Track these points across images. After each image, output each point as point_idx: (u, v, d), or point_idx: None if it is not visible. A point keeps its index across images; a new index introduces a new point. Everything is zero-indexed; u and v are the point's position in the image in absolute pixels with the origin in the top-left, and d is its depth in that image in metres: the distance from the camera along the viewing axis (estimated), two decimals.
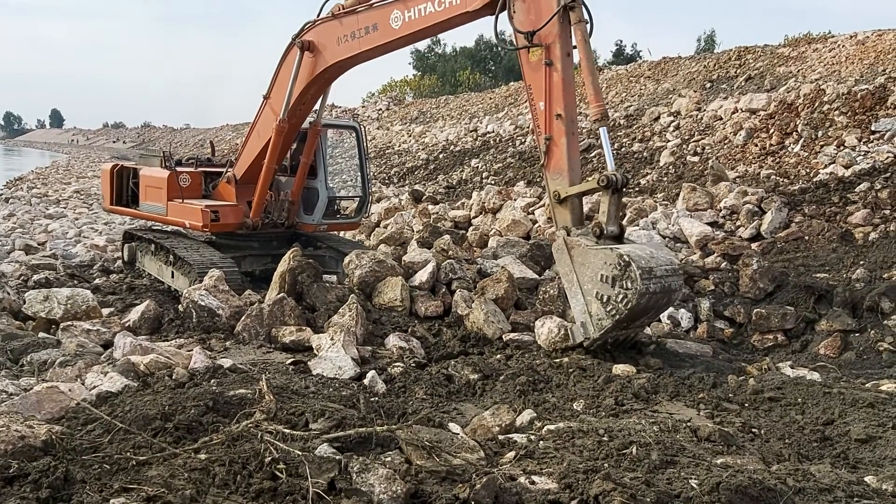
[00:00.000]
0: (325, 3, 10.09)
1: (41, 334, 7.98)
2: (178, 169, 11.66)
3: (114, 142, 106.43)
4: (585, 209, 8.60)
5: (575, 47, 7.92)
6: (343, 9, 9.78)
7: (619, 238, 7.56)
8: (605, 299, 7.19)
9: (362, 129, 12.63)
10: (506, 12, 8.09)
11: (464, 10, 8.51)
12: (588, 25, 7.83)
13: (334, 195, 11.93)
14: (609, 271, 7.11)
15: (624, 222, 8.90)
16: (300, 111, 10.85)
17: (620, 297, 7.05)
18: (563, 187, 7.83)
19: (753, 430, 5.74)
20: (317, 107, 11.50)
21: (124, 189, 12.51)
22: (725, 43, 77.93)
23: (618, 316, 7.10)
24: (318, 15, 10.18)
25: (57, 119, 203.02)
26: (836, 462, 5.13)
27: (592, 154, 22.37)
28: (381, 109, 51.09)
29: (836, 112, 16.73)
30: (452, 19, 8.75)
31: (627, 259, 6.96)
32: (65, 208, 23.37)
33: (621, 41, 66.02)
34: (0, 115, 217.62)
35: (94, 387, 6.00)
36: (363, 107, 54.46)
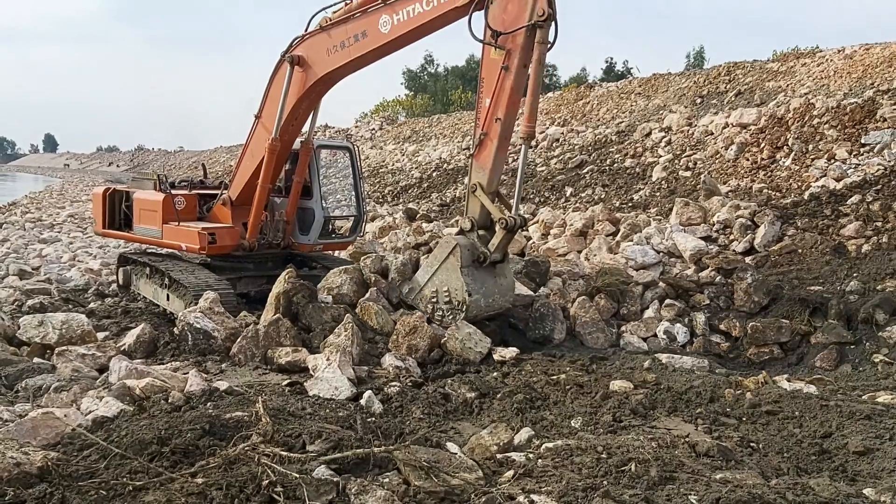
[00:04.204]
0: (313, 17, 10.20)
1: (36, 360, 7.94)
2: (173, 192, 11.65)
3: (108, 165, 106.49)
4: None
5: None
6: (330, 21, 9.88)
7: (498, 262, 9.02)
8: (433, 299, 8.98)
9: (356, 148, 12.67)
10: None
11: (452, 5, 8.71)
12: (549, 46, 8.32)
13: (330, 215, 11.95)
14: (452, 295, 8.78)
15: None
16: (292, 128, 10.89)
17: (439, 314, 8.94)
18: (481, 182, 8.79)
19: (752, 444, 5.74)
20: (307, 126, 11.54)
21: (117, 213, 12.48)
22: (714, 59, 78.63)
23: (427, 317, 8.79)
24: (307, 29, 10.26)
25: (51, 143, 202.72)
26: (834, 475, 5.13)
27: (585, 170, 22.48)
28: (374, 129, 51.29)
29: (826, 125, 16.87)
30: (442, 16, 8.89)
31: (464, 307, 8.66)
32: (59, 232, 23.29)
33: (612, 58, 66.55)
34: None
35: (90, 412, 5.97)
36: (356, 127, 54.65)
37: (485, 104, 8.70)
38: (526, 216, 16.13)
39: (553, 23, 8.25)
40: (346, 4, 9.87)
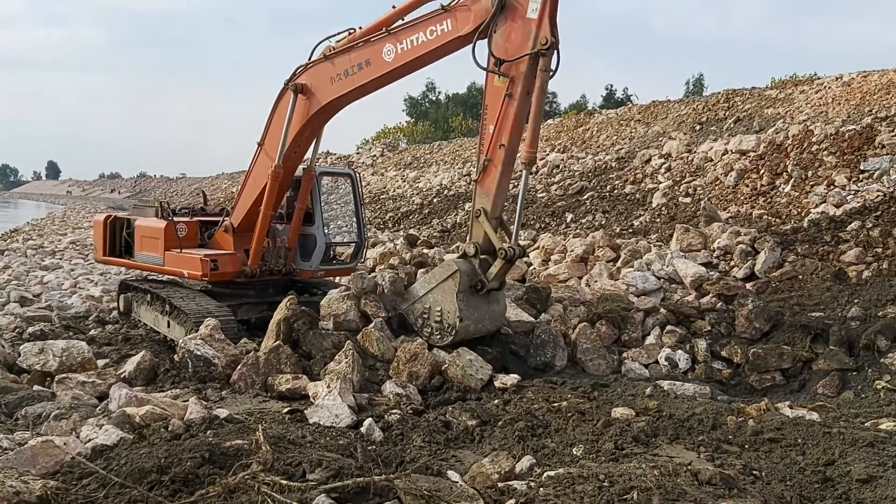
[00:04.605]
0: (317, 46, 10.34)
1: (36, 387, 7.92)
2: (175, 219, 11.70)
3: (110, 192, 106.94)
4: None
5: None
6: (334, 50, 10.00)
7: (497, 289, 9.16)
8: (424, 315, 9.14)
9: (357, 175, 12.75)
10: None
11: (455, 34, 8.86)
12: (552, 74, 8.45)
13: (331, 241, 11.99)
14: (444, 316, 8.90)
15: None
16: (295, 155, 10.97)
17: (427, 330, 9.11)
18: (486, 208, 8.88)
19: (754, 472, 5.70)
20: (309, 154, 11.63)
21: (118, 240, 12.53)
22: (713, 86, 79.21)
23: (414, 330, 9.22)
24: (310, 58, 10.38)
25: (53, 171, 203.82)
26: (837, 503, 5.09)
27: (585, 196, 22.56)
28: (375, 156, 51.58)
29: (825, 152, 16.96)
30: (446, 45, 9.04)
31: (454, 331, 8.77)
32: (60, 259, 23.34)
33: (611, 85, 67.18)
34: None
35: (90, 440, 5.95)
36: (357, 153, 54.97)
37: (488, 131, 8.79)
38: (525, 243, 16.27)
39: (555, 51, 8.37)
40: (350, 34, 10.02)
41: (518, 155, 9.02)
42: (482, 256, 9.01)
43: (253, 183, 11.29)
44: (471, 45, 8.69)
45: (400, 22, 9.45)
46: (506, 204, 9.45)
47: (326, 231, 11.81)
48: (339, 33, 10.20)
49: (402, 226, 27.79)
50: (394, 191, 36.26)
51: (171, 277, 11.87)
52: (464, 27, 8.75)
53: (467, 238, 9.32)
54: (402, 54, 9.30)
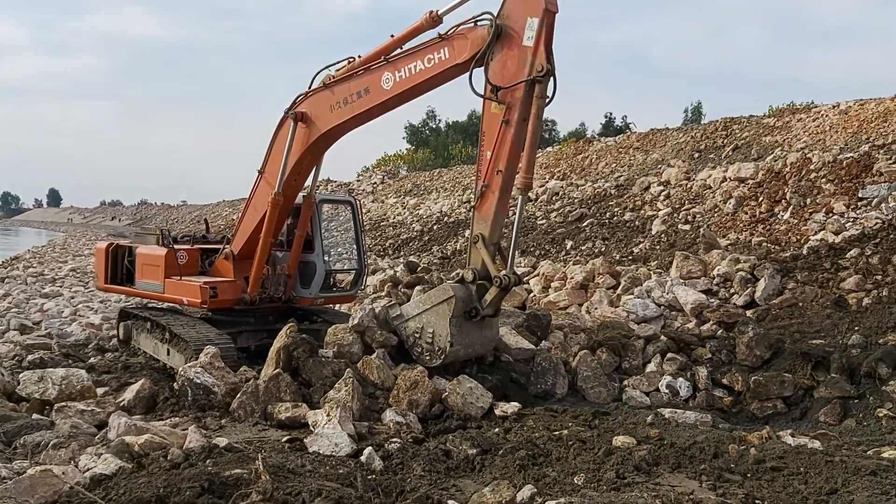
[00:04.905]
0: (316, 75, 10.45)
1: (35, 416, 7.90)
2: (176, 246, 11.72)
3: (111, 220, 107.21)
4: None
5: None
6: (333, 79, 10.12)
7: (491, 316, 9.19)
8: (416, 334, 9.17)
9: (357, 203, 12.79)
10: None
11: (453, 62, 8.97)
12: (548, 101, 8.54)
13: (331, 268, 12.00)
14: (435, 339, 8.95)
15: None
16: (295, 183, 11.03)
17: (417, 350, 9.18)
18: (483, 234, 8.91)
19: (757, 501, 5.66)
20: (309, 181, 11.69)
21: (119, 267, 12.55)
22: (711, 114, 79.82)
23: (406, 346, 9.28)
24: (310, 86, 10.49)
25: (55, 198, 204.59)
26: None
27: (585, 223, 22.64)
28: (375, 183, 51.85)
29: (823, 180, 17.06)
30: (443, 73, 9.14)
31: (444, 354, 8.84)
32: (60, 287, 23.34)
33: (610, 113, 67.73)
34: None
35: (88, 469, 5.92)
36: (358, 181, 55.24)
37: (486, 157, 8.88)
38: (525, 270, 16.31)
39: (552, 78, 8.48)
40: (349, 62, 10.14)
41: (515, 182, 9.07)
42: (479, 282, 9.03)
43: (253, 210, 11.33)
44: (468, 73, 8.81)
45: (398, 51, 9.58)
46: (504, 230, 9.49)
47: (326, 258, 11.82)
48: (338, 62, 10.32)
49: (402, 253, 27.84)
50: (394, 218, 36.38)
51: (171, 305, 11.86)
52: (461, 55, 8.88)
53: (466, 263, 9.37)
54: (401, 82, 9.41)
